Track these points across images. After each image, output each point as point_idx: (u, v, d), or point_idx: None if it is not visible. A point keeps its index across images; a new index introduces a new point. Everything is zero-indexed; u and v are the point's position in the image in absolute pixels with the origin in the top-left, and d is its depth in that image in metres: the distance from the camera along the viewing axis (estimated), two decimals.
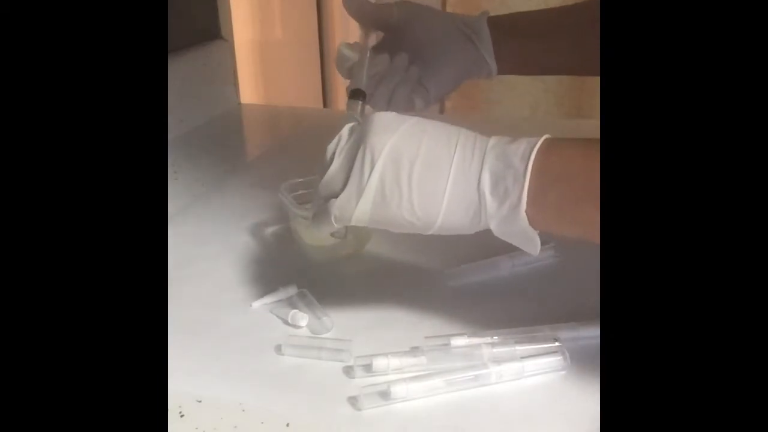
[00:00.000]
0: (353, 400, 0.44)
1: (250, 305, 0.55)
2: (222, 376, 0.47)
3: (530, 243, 0.43)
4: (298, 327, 0.52)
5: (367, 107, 0.64)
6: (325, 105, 1.62)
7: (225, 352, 0.49)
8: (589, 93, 1.46)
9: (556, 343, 0.47)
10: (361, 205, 0.44)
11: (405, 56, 0.65)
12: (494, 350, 0.46)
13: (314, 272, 0.59)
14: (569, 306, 0.52)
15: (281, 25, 1.56)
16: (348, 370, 0.47)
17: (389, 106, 0.65)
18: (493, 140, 0.44)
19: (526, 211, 0.42)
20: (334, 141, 0.46)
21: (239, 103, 1.10)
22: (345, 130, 0.47)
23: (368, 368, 0.46)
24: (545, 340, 0.47)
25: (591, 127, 0.93)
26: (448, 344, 0.48)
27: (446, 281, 0.57)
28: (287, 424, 0.43)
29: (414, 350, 0.48)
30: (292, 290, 0.56)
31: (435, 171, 0.43)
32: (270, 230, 0.67)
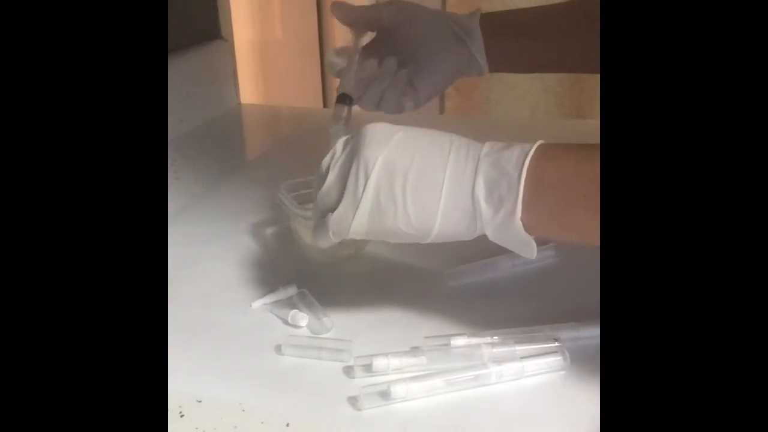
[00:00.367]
0: (353, 400, 0.44)
1: (250, 305, 0.55)
2: (222, 376, 0.47)
3: (527, 248, 0.44)
4: (298, 327, 0.52)
5: (355, 107, 0.64)
6: (325, 105, 1.62)
7: (225, 352, 0.49)
8: (589, 93, 1.46)
9: (556, 343, 0.47)
10: (357, 218, 0.44)
11: (393, 60, 0.65)
12: (494, 350, 0.46)
13: (314, 272, 0.59)
14: (569, 306, 0.52)
15: (281, 25, 1.56)
16: (348, 370, 0.47)
17: (378, 108, 0.65)
18: (486, 147, 0.44)
19: (521, 218, 0.42)
20: (329, 155, 0.47)
21: (239, 103, 1.10)
22: (339, 144, 0.47)
23: (368, 368, 0.46)
24: (545, 340, 0.47)
25: (591, 127, 0.93)
26: (448, 344, 0.48)
27: (446, 281, 0.57)
28: (287, 424, 0.43)
29: (414, 350, 0.48)
30: (292, 290, 0.56)
31: (429, 181, 0.43)
32: (270, 230, 0.67)
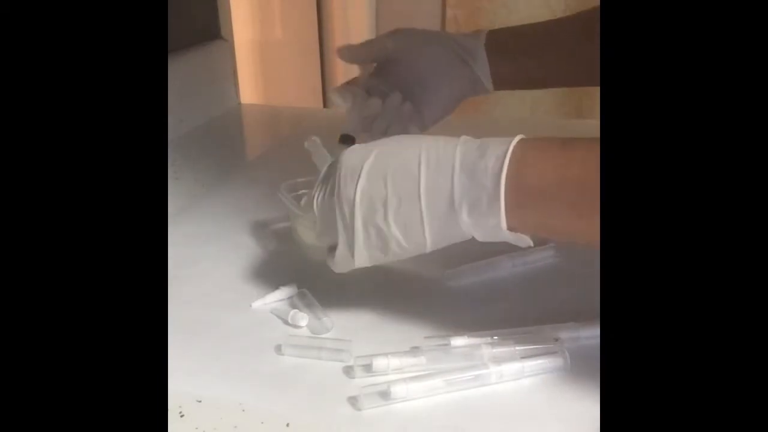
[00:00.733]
0: (353, 400, 0.44)
1: (250, 305, 0.55)
2: (222, 376, 0.47)
3: (519, 241, 0.44)
4: (298, 327, 0.52)
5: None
6: (325, 105, 1.62)
7: (225, 352, 0.49)
8: (589, 93, 1.46)
9: (556, 343, 0.47)
10: (357, 255, 0.47)
11: (398, 96, 0.65)
12: (494, 350, 0.46)
13: (314, 272, 0.59)
14: (569, 306, 0.52)
15: (281, 25, 1.56)
16: (348, 370, 0.47)
17: (384, 135, 0.65)
18: (458, 153, 0.44)
19: (507, 224, 0.43)
20: (315, 194, 0.49)
21: (239, 103, 1.10)
22: (320, 178, 0.49)
23: (368, 368, 0.46)
24: (545, 340, 0.47)
25: (591, 127, 0.93)
26: (448, 344, 0.48)
27: (446, 281, 0.57)
28: (287, 424, 0.43)
29: (414, 350, 0.48)
30: (292, 290, 0.56)
31: (407, 208, 0.44)
32: (270, 230, 0.67)
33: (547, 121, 1.32)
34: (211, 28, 1.04)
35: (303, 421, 0.43)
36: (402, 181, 0.44)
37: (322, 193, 0.48)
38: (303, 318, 0.52)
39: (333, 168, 0.47)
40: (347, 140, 0.64)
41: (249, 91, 1.32)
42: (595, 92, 1.40)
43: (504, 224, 0.42)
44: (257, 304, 0.55)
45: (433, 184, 0.44)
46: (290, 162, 0.83)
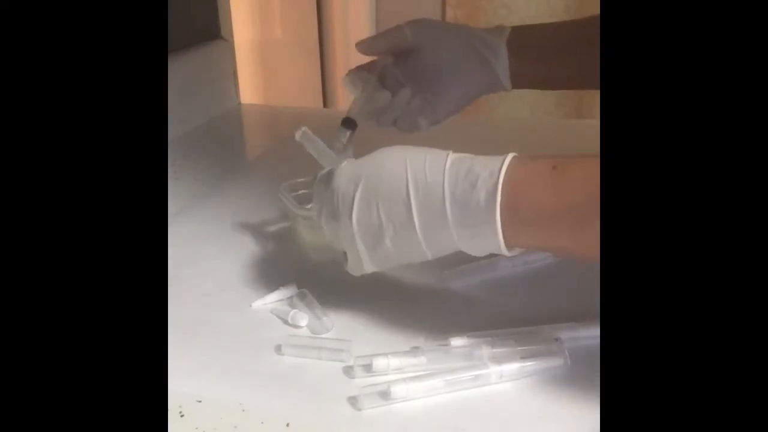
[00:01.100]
0: (353, 400, 0.44)
1: (250, 305, 0.55)
2: (222, 376, 0.47)
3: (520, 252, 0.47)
4: (298, 327, 0.52)
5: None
6: (325, 105, 1.62)
7: (225, 352, 0.49)
8: (589, 93, 1.46)
9: (556, 343, 0.47)
10: (366, 264, 0.49)
11: (408, 92, 0.64)
12: (494, 350, 0.46)
13: (314, 272, 0.59)
14: (569, 306, 0.52)
15: (281, 25, 1.56)
16: (348, 370, 0.47)
17: (393, 126, 0.65)
18: (447, 184, 0.44)
19: (506, 245, 0.44)
20: (315, 206, 0.50)
21: (239, 103, 1.10)
22: (317, 187, 0.50)
23: (368, 368, 0.46)
24: (545, 340, 0.47)
25: (591, 127, 0.93)
26: (448, 344, 0.48)
27: (446, 281, 0.57)
28: (287, 424, 0.43)
29: (414, 350, 0.48)
30: (292, 290, 0.56)
31: (404, 233, 0.46)
32: (270, 230, 0.67)
33: (547, 121, 1.32)
34: (211, 28, 1.04)
35: (303, 421, 0.43)
36: (395, 209, 0.45)
37: (323, 215, 0.49)
38: (303, 318, 0.52)
39: (328, 186, 0.48)
40: (349, 124, 0.62)
41: (249, 91, 1.32)
42: (595, 92, 1.39)
43: (503, 247, 0.44)
44: (257, 304, 0.55)
45: (426, 218, 0.45)
46: (290, 162, 0.83)
